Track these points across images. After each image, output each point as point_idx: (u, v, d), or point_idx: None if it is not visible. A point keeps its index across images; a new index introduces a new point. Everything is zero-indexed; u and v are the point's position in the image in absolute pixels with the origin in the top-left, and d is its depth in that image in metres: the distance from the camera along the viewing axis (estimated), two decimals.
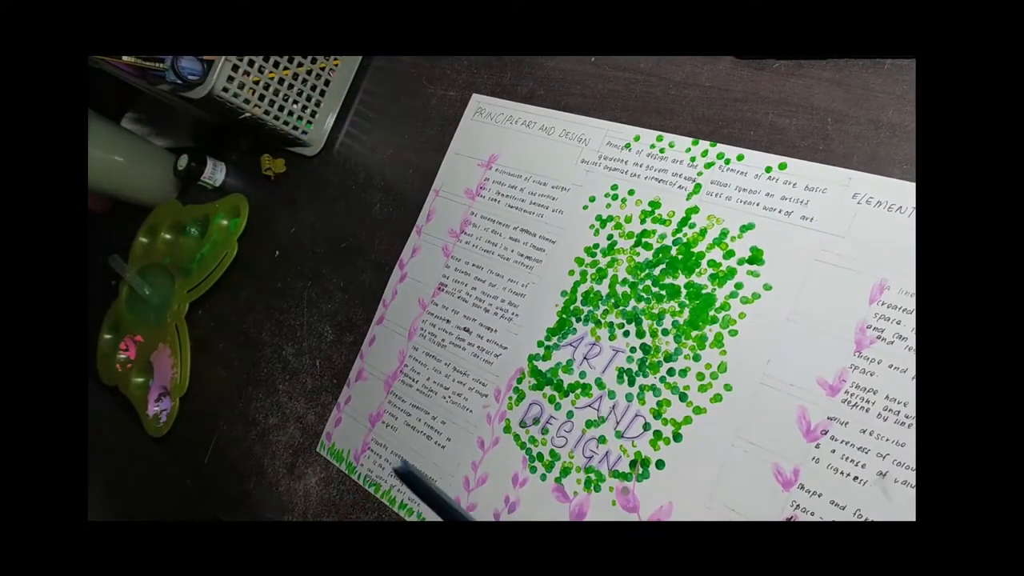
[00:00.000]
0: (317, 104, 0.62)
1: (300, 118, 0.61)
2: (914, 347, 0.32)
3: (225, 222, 0.67)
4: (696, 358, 0.38)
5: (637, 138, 0.44)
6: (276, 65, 0.58)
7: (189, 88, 0.55)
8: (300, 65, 0.59)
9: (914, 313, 0.33)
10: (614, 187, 0.44)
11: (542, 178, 0.48)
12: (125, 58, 0.56)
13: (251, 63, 0.56)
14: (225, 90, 0.55)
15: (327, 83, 0.62)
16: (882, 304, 0.34)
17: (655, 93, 0.44)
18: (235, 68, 0.55)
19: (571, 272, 0.45)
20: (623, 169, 0.44)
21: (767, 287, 0.37)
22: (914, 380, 0.32)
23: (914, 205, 0.34)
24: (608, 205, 0.44)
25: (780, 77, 0.40)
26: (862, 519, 0.32)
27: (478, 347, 0.48)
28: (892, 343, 0.33)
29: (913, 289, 0.33)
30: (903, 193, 0.34)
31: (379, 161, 0.59)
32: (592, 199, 0.45)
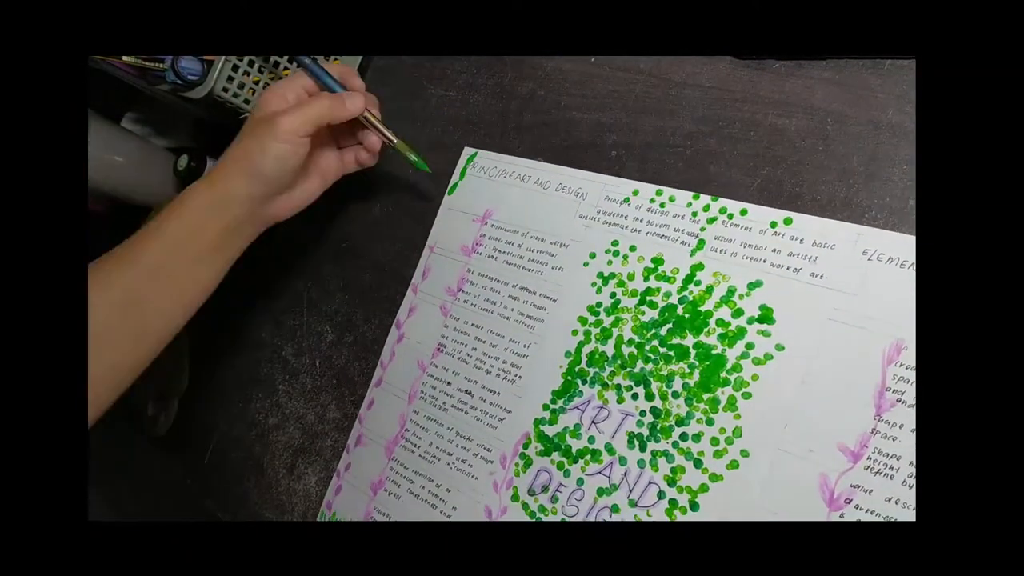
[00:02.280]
0: None
1: None
2: None
3: None
4: (709, 422, 0.37)
5: (636, 192, 0.43)
6: (276, 65, 0.58)
7: (189, 88, 0.55)
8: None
9: None
10: (615, 243, 0.43)
11: (540, 234, 0.47)
12: (125, 58, 0.56)
13: (251, 63, 0.56)
14: (225, 90, 0.55)
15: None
16: (900, 365, 0.32)
17: (655, 93, 0.44)
18: (235, 68, 0.55)
19: (574, 332, 0.43)
20: (623, 224, 0.43)
21: (779, 347, 0.36)
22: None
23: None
24: (609, 262, 0.43)
25: (780, 77, 0.40)
26: None
27: (481, 411, 0.46)
28: (913, 406, 0.32)
29: None
30: (914, 250, 0.33)
31: (379, 160, 0.59)
32: (592, 255, 0.44)
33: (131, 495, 0.70)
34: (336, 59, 0.62)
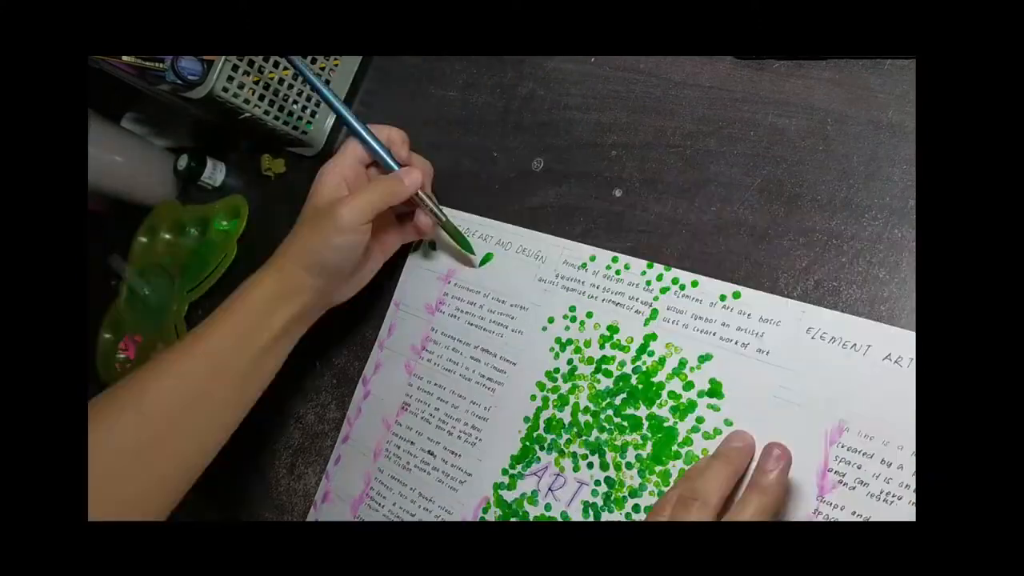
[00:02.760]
0: (317, 104, 0.62)
1: (300, 118, 0.61)
2: (876, 493, 0.31)
3: (225, 223, 0.67)
4: (661, 495, 0.37)
5: (593, 258, 0.43)
6: (276, 65, 0.58)
7: (189, 88, 0.55)
8: None
9: (874, 457, 0.32)
10: (572, 308, 0.43)
11: (500, 295, 0.47)
12: (125, 58, 0.56)
13: (251, 63, 0.56)
14: (225, 90, 0.55)
15: (327, 83, 0.62)
16: (842, 447, 0.33)
17: (655, 93, 0.44)
18: (235, 68, 0.55)
19: (533, 397, 0.43)
20: (580, 290, 0.43)
21: (728, 423, 0.36)
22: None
23: (868, 344, 0.33)
24: (567, 327, 0.43)
25: (780, 77, 0.40)
26: None
27: (443, 472, 0.46)
28: (854, 488, 0.32)
29: (872, 433, 0.32)
30: (857, 330, 0.34)
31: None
32: (551, 320, 0.44)
33: None
34: (336, 59, 0.62)
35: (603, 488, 0.39)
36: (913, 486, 0.31)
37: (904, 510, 0.31)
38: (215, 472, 0.61)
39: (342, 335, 0.56)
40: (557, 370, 0.43)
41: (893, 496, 0.31)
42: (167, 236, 0.73)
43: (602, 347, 0.41)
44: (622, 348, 0.41)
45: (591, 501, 0.40)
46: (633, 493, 0.38)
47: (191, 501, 0.62)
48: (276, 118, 0.59)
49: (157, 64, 0.56)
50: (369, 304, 0.55)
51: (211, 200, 0.70)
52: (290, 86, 0.59)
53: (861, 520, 0.32)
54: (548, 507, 0.41)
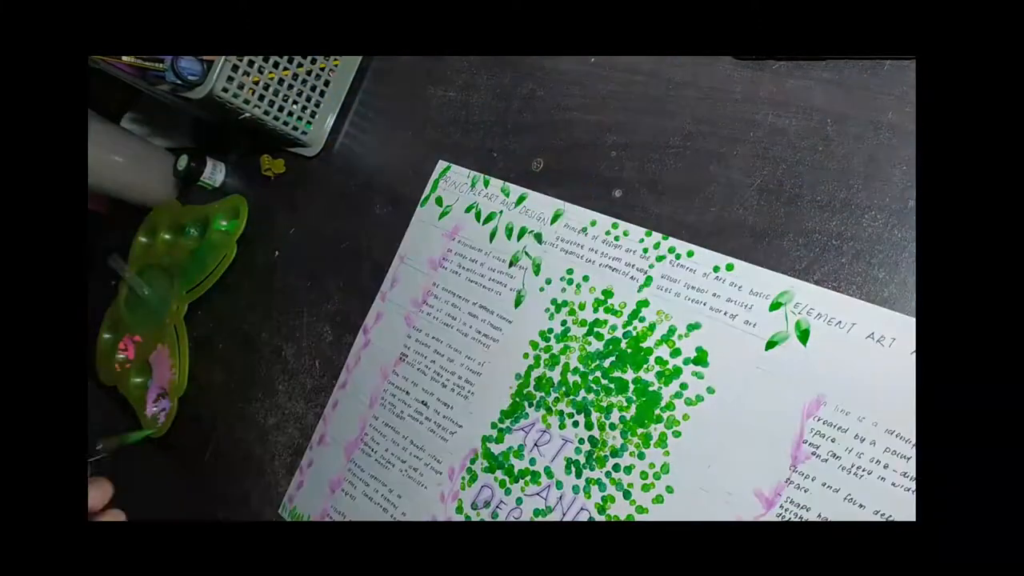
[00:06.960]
0: (317, 104, 0.62)
1: (300, 118, 0.61)
2: (847, 467, 0.32)
3: (224, 223, 0.67)
4: (641, 456, 0.39)
5: (593, 223, 0.44)
6: (276, 65, 0.58)
7: (189, 88, 0.55)
8: (300, 65, 0.59)
9: (848, 431, 0.33)
10: (569, 271, 0.44)
11: (501, 254, 0.48)
12: (125, 58, 0.56)
13: (251, 63, 0.56)
14: (225, 90, 0.55)
15: (327, 83, 0.62)
16: (818, 420, 0.34)
17: (655, 93, 0.44)
18: (235, 68, 0.55)
19: (525, 355, 0.45)
20: (579, 253, 0.44)
21: (710, 390, 0.37)
22: (846, 502, 0.32)
23: (853, 322, 0.34)
24: (563, 290, 0.44)
25: (780, 77, 0.40)
26: None
27: (435, 422, 0.48)
28: (827, 461, 0.33)
29: (849, 408, 0.33)
30: (843, 308, 0.34)
31: (379, 161, 0.59)
32: (548, 281, 0.45)
33: (131, 495, 0.70)
34: (336, 59, 0.62)
35: (586, 446, 0.41)
36: (884, 462, 0.32)
37: (873, 484, 0.32)
38: (215, 472, 0.61)
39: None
40: (551, 330, 0.44)
41: (863, 471, 0.32)
42: (167, 236, 0.73)
43: (595, 310, 0.42)
44: (615, 313, 0.42)
45: (574, 458, 0.41)
46: (614, 453, 0.39)
47: (191, 501, 0.62)
48: (276, 118, 0.59)
49: (157, 64, 0.56)
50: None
51: (211, 200, 0.70)
52: (290, 86, 0.59)
53: (831, 490, 0.33)
54: (533, 461, 0.43)
